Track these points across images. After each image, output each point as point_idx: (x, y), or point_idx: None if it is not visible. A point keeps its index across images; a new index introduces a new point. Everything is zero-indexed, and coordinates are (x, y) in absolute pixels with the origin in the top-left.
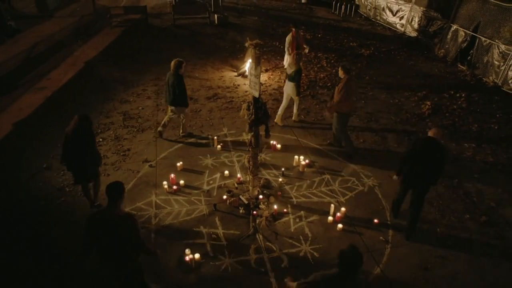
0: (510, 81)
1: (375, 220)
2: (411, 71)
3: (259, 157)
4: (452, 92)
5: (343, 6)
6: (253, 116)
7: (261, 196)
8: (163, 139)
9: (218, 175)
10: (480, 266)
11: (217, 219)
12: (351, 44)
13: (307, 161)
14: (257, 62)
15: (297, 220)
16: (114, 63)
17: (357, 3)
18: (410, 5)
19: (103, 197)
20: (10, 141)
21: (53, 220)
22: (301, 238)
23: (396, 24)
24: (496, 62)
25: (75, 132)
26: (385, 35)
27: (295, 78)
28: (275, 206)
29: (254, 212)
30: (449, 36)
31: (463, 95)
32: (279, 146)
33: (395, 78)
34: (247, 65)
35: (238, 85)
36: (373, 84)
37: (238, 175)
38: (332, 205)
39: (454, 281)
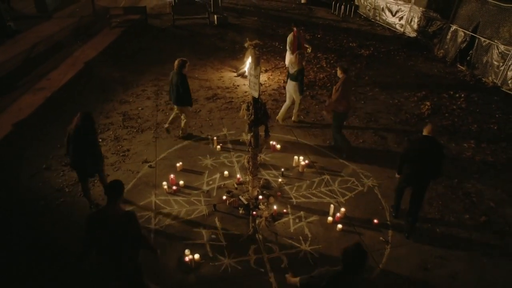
0: (509, 81)
1: (375, 221)
2: (410, 72)
3: (258, 158)
4: (451, 93)
5: (342, 7)
6: (253, 116)
7: (260, 197)
8: (166, 136)
9: (217, 175)
10: (480, 266)
11: (216, 219)
12: (350, 44)
13: (306, 161)
14: (256, 63)
15: (297, 220)
16: (113, 63)
17: (356, 3)
18: (410, 6)
19: (102, 197)
20: (10, 141)
21: (52, 220)
22: (301, 238)
23: (395, 24)
24: (496, 63)
25: (77, 131)
26: (385, 36)
27: (298, 77)
28: (275, 207)
29: (254, 213)
30: (448, 37)
31: (462, 95)
32: (278, 146)
33: (395, 78)
34: (247, 65)
35: (238, 85)
36: (372, 84)
37: (238, 176)
38: (332, 206)
39: (454, 281)
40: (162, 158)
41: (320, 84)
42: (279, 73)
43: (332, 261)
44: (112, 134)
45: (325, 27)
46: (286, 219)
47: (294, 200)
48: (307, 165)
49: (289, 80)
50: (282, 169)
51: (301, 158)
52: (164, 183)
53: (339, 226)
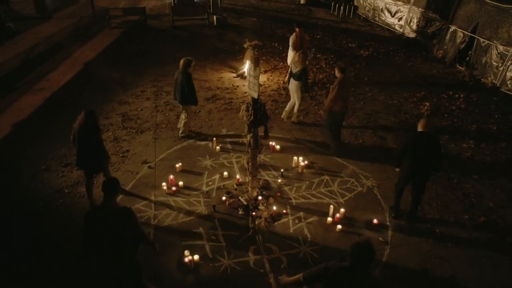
0: (508, 82)
1: (374, 221)
2: (409, 72)
3: (258, 158)
4: (450, 93)
5: (341, 7)
6: (252, 117)
7: (260, 197)
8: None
9: (217, 176)
10: (480, 266)
11: (216, 220)
12: (350, 45)
13: (306, 162)
14: (256, 63)
15: (296, 221)
16: (113, 64)
17: (355, 4)
18: (409, 6)
19: (101, 199)
20: (10, 142)
21: (52, 221)
22: (300, 239)
23: (394, 25)
24: (495, 63)
25: (81, 129)
26: (384, 36)
27: (301, 77)
28: (274, 207)
29: (253, 213)
30: (447, 37)
31: (461, 95)
32: (278, 147)
33: (394, 79)
34: (246, 66)
35: (237, 86)
36: (372, 85)
37: (237, 176)
38: (331, 206)
39: (454, 281)
40: (162, 159)
41: (320, 84)
42: (278, 74)
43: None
44: (111, 134)
45: (325, 28)
46: (285, 219)
47: (293, 200)
48: (306, 166)
49: (291, 79)
50: (282, 170)
51: (301, 158)
52: (164, 184)
53: (339, 226)
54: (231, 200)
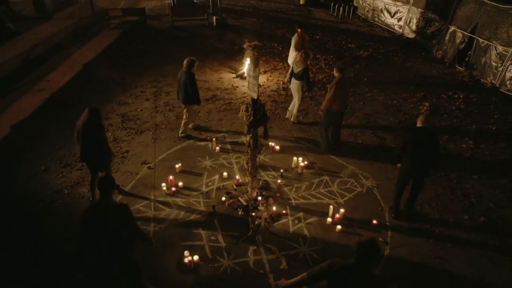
0: (507, 82)
1: (374, 221)
2: (409, 73)
3: (257, 159)
4: (450, 93)
5: (341, 8)
6: (252, 117)
7: (260, 198)
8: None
9: (216, 176)
10: (479, 266)
11: (216, 220)
12: (349, 45)
13: (305, 162)
14: (255, 64)
15: (296, 221)
16: (112, 65)
17: (355, 4)
18: (408, 7)
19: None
20: (9, 142)
21: (51, 222)
22: (300, 239)
23: (394, 25)
24: (494, 63)
25: (85, 127)
26: (383, 37)
27: (303, 77)
28: (274, 208)
29: (253, 214)
30: (447, 38)
31: (461, 96)
32: (277, 147)
33: (393, 79)
34: (246, 66)
35: (237, 86)
36: (371, 85)
37: (237, 177)
38: (331, 207)
39: (454, 281)
40: (161, 160)
41: (319, 85)
42: (278, 74)
43: None
44: (111, 135)
45: (324, 28)
46: (285, 220)
47: (293, 201)
48: (306, 166)
49: (293, 79)
50: (281, 170)
51: (300, 159)
52: (163, 184)
53: (338, 227)
54: (231, 201)
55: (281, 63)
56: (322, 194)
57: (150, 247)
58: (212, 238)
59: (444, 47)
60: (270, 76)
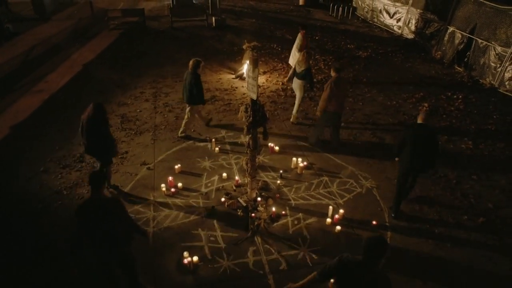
0: (506, 83)
1: (374, 222)
2: (408, 73)
3: (257, 159)
4: (449, 94)
5: (340, 9)
6: (251, 118)
7: (259, 198)
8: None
9: (216, 177)
10: (479, 266)
11: (215, 221)
12: (348, 46)
13: (305, 163)
14: (254, 65)
15: (296, 222)
16: (111, 65)
17: (354, 5)
18: (407, 7)
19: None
20: (8, 143)
21: (51, 222)
22: (300, 240)
23: (393, 26)
24: (493, 64)
25: (89, 122)
26: (382, 37)
27: (305, 76)
28: (273, 208)
29: (252, 215)
30: (446, 38)
31: (460, 96)
32: (277, 148)
33: (393, 80)
34: (245, 67)
35: (236, 87)
36: (370, 86)
37: (236, 178)
38: (330, 207)
39: (454, 281)
40: (161, 160)
41: (319, 85)
42: (277, 75)
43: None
44: None
45: (323, 29)
46: (284, 220)
47: (292, 201)
48: (305, 167)
49: (295, 78)
50: (281, 171)
51: (300, 159)
52: (163, 185)
53: (338, 227)
54: (230, 201)
55: (281, 64)
56: (321, 195)
57: (148, 246)
58: (212, 239)
59: (443, 48)
60: (270, 76)
